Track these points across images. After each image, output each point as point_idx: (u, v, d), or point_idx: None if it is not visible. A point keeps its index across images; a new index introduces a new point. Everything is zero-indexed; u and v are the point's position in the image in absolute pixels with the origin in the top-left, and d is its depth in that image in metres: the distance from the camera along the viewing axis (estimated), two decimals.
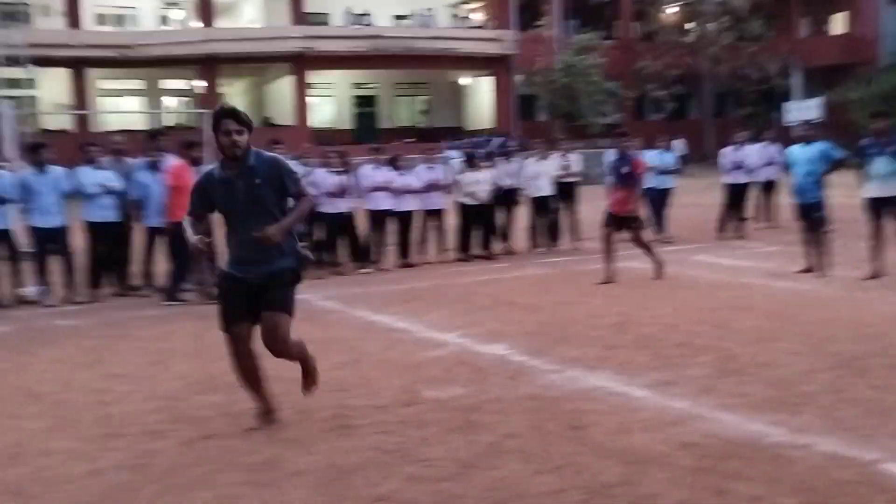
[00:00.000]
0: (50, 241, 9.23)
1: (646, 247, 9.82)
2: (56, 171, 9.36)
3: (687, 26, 39.25)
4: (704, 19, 37.38)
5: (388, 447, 4.42)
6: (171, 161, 9.40)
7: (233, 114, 4.54)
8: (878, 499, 3.55)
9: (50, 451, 4.55)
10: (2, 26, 30.44)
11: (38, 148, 9.56)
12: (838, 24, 41.15)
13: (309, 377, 5.04)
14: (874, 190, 8.96)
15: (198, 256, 5.32)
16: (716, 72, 37.17)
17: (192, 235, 4.65)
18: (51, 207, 9.22)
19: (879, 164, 8.86)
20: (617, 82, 35.26)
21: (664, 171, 13.10)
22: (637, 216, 9.74)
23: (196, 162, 9.39)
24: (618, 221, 9.56)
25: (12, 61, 28.88)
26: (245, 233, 4.53)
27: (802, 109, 31.57)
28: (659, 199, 13.12)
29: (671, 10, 39.49)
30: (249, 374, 4.75)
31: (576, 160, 13.19)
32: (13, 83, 31.87)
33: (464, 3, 39.53)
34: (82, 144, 9.89)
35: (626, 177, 9.50)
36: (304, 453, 4.37)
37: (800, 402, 4.89)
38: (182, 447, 4.55)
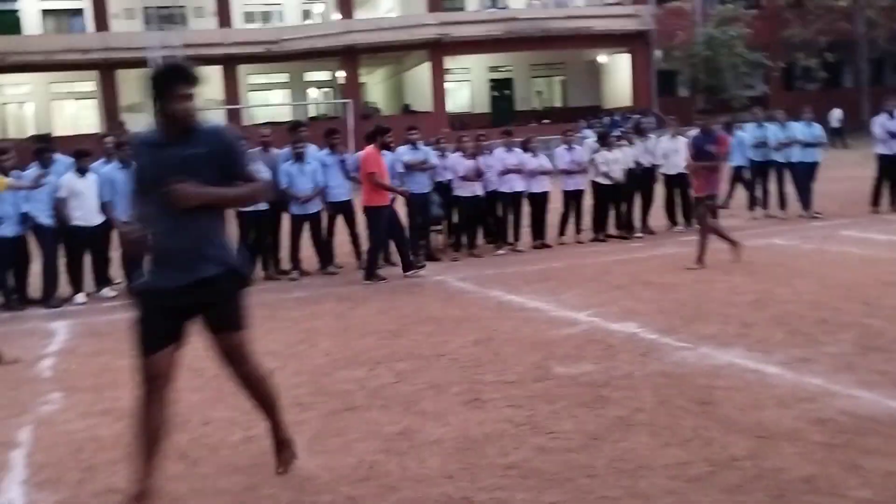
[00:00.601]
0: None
1: (713, 229, 9.27)
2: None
3: None
4: None
5: (519, 420, 4.58)
6: (365, 150, 9.92)
7: (184, 74, 3.54)
8: None
9: (210, 419, 4.99)
10: (160, 28, 32.53)
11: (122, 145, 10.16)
12: None
13: (283, 444, 4.06)
14: None
15: (127, 251, 4.24)
16: (872, 36, 34.93)
17: (124, 224, 3.79)
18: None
19: None
20: (762, 53, 33.73)
21: (810, 144, 12.55)
22: (712, 195, 9.29)
23: (386, 147, 10.09)
24: (706, 203, 9.25)
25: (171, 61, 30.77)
26: (171, 221, 3.52)
27: None
28: (805, 173, 12.61)
29: None
30: (151, 430, 3.68)
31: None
32: None
33: None
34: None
35: (711, 156, 9.13)
36: (438, 424, 4.60)
37: None
38: (326, 418, 4.88)
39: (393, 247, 10.37)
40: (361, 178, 9.76)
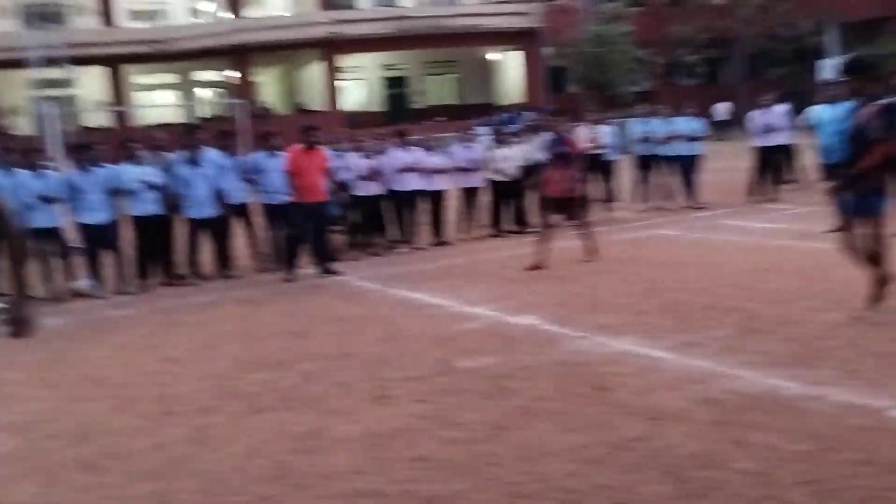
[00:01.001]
0: (98, 236, 9.66)
1: (587, 229, 9.46)
2: (100, 169, 9.77)
3: None
4: None
5: (425, 414, 4.71)
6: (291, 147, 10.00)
7: None
8: (886, 442, 3.75)
9: (114, 429, 4.92)
10: (39, 28, 31.20)
11: (83, 148, 9.97)
12: None
13: None
14: None
15: None
16: (748, 33, 36.67)
17: None
18: (97, 204, 9.62)
19: None
20: (647, 50, 34.96)
21: (692, 138, 13.16)
22: (579, 197, 9.41)
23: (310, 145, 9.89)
24: (557, 204, 9.32)
25: (51, 62, 29.60)
26: None
27: (838, 67, 31.17)
28: (688, 165, 13.21)
29: None
30: None
31: (604, 132, 13.31)
32: (53, 83, 32.67)
33: None
34: (122, 141, 10.28)
35: (563, 157, 9.27)
36: (346, 422, 4.68)
37: (819, 356, 5.08)
38: (234, 421, 4.89)
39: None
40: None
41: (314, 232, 9.86)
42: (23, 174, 9.57)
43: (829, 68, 30.83)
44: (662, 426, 4.19)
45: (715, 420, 4.21)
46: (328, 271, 9.80)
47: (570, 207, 9.40)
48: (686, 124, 13.30)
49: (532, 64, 36.50)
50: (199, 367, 6.20)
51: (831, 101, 9.50)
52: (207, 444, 4.55)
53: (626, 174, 13.90)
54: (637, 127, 13.58)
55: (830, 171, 9.62)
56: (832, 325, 5.75)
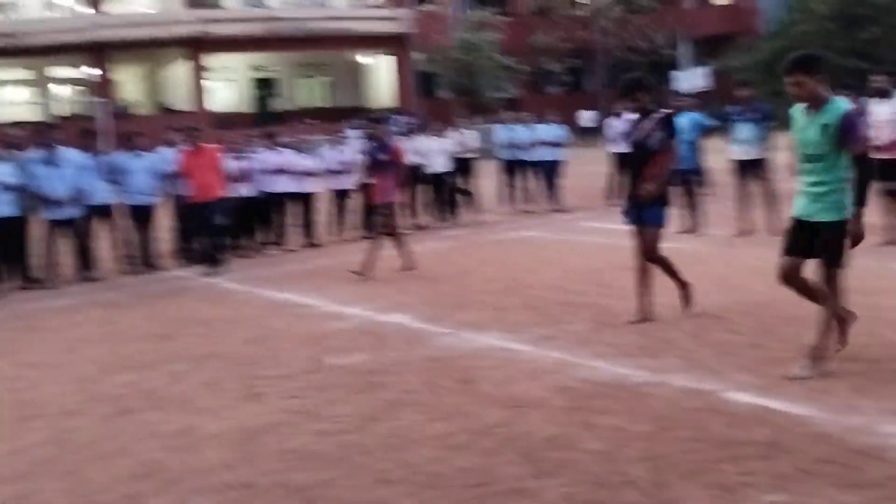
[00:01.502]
0: None
1: (397, 237, 9.30)
2: None
3: (580, 0, 40.28)
4: None
5: (296, 409, 4.81)
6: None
7: None
8: (717, 420, 4.14)
9: None
10: None
11: None
12: None
13: None
14: (739, 153, 9.76)
15: None
16: (607, 44, 38.29)
17: None
18: None
19: (743, 130, 9.66)
20: (514, 58, 35.92)
21: (555, 144, 13.72)
22: (387, 203, 9.19)
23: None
24: (385, 209, 9.21)
25: None
26: None
27: (691, 78, 33.03)
28: (551, 170, 13.76)
29: None
30: None
31: (472, 136, 13.70)
32: None
33: None
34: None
35: (384, 164, 9.20)
36: (215, 420, 4.72)
37: (664, 347, 5.50)
38: (100, 423, 4.84)
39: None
40: None
41: (208, 229, 10.01)
42: None
43: (681, 80, 32.65)
44: (521, 413, 4.46)
45: (568, 406, 4.52)
46: (217, 266, 9.94)
47: (380, 213, 9.21)
48: (549, 131, 13.86)
49: (402, 69, 36.80)
50: (61, 371, 6.06)
51: (679, 111, 10.14)
52: (71, 446, 4.49)
53: (492, 178, 14.34)
54: (502, 133, 14.03)
55: (681, 176, 10.29)
56: (677, 319, 6.21)
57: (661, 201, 6.11)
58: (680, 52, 39.45)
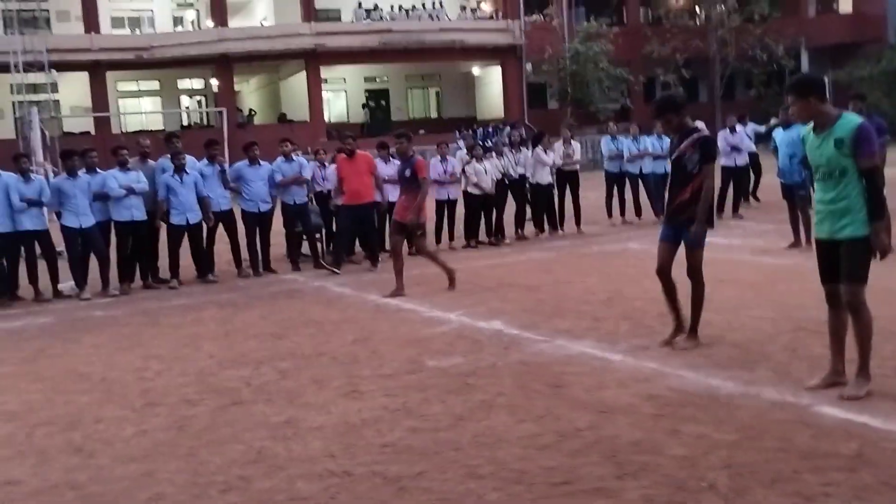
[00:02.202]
0: (83, 240, 9.96)
1: (431, 256, 9.29)
2: (87, 174, 10.09)
3: (695, 10, 39.55)
4: (711, 2, 37.66)
5: (393, 406, 5.09)
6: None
7: None
8: (804, 432, 4.17)
9: (102, 418, 5.25)
10: (22, 32, 31.35)
11: (71, 154, 10.29)
12: (845, 2, 41.26)
13: None
14: None
15: None
16: (724, 54, 37.47)
17: None
18: (83, 209, 9.93)
19: None
20: (625, 68, 35.62)
21: (661, 156, 13.65)
22: (420, 224, 9.01)
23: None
24: (404, 229, 9.03)
25: (34, 67, 29.79)
26: None
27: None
28: (656, 183, 13.69)
29: None
30: None
31: (578, 148, 13.78)
32: (35, 88, 32.82)
33: None
34: (113, 148, 10.59)
35: (410, 181, 8.97)
36: (320, 414, 5.05)
37: (758, 360, 5.51)
38: (214, 412, 5.24)
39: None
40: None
41: (361, 230, 10.89)
42: (9, 178, 9.87)
43: None
44: (609, 418, 4.59)
45: (656, 413, 4.62)
46: (373, 263, 10.90)
47: (413, 234, 9.10)
48: (657, 143, 13.80)
49: (512, 79, 37.05)
50: (182, 364, 6.54)
51: (785, 124, 10.00)
52: (189, 431, 4.90)
53: (597, 190, 14.37)
54: (609, 144, 14.05)
55: (787, 190, 10.12)
56: (772, 333, 6.18)
57: (702, 222, 5.96)
58: (801, 63, 38.22)
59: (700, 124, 6.67)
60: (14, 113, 33.19)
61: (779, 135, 10.13)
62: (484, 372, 5.72)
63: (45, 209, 10.33)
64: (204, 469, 4.27)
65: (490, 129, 32.50)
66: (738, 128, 14.24)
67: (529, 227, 13.21)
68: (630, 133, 14.08)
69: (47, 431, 5.04)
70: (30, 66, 29.82)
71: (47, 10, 35.20)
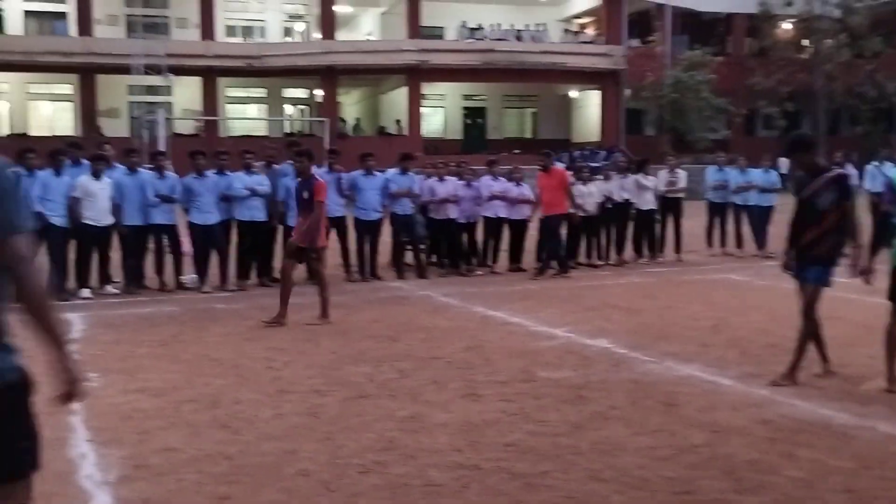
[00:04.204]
0: (206, 236, 10.57)
1: (321, 283, 8.64)
2: (214, 174, 10.72)
3: (802, 42, 38.86)
4: (821, 35, 36.96)
5: (511, 411, 5.36)
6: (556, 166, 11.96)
7: None
8: None
9: (240, 400, 5.68)
10: (143, 37, 33.03)
11: (198, 154, 10.95)
12: None
13: None
14: None
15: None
16: (831, 89, 36.68)
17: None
18: (208, 207, 10.56)
19: None
20: (727, 98, 35.25)
21: (766, 189, 13.59)
22: (316, 247, 8.50)
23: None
24: (298, 253, 8.57)
25: (153, 70, 31.35)
26: None
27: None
28: (760, 215, 13.64)
29: (786, 27, 39.14)
30: None
31: (683, 176, 13.83)
32: (152, 90, 34.50)
33: (575, 18, 40.26)
34: (243, 152, 11.19)
35: (309, 203, 8.47)
36: (442, 412, 5.36)
37: (872, 396, 5.59)
38: (343, 402, 5.61)
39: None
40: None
41: (554, 239, 11.52)
42: (146, 174, 10.58)
43: None
44: (723, 437, 4.77)
45: (770, 437, 4.77)
46: (564, 271, 11.55)
47: (308, 256, 8.63)
48: (762, 176, 13.76)
49: (610, 104, 37.08)
50: (305, 357, 6.96)
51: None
52: (323, 418, 5.27)
53: (698, 218, 14.39)
54: (714, 174, 14.06)
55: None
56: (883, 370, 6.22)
57: (828, 261, 6.02)
58: None
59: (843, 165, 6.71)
60: (130, 113, 35.01)
61: (890, 171, 10.04)
62: (595, 386, 5.95)
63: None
64: (341, 452, 4.62)
65: (587, 152, 32.60)
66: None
67: (630, 252, 13.32)
68: (737, 164, 14.05)
69: (193, 408, 5.49)
70: (149, 70, 31.39)
71: (168, 17, 36.95)
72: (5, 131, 33.76)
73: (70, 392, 2.51)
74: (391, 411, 5.39)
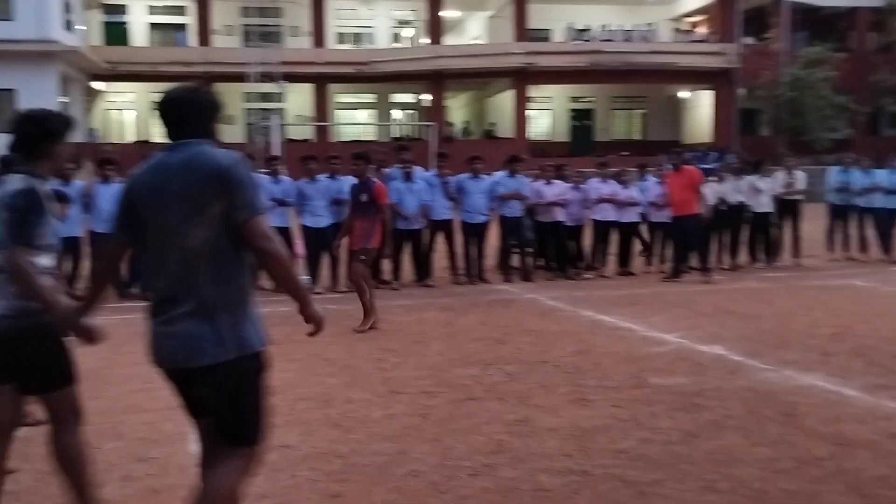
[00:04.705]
0: (318, 238, 10.82)
1: (359, 286, 8.34)
2: (325, 179, 10.96)
3: None
4: None
5: (622, 417, 5.26)
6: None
7: None
8: None
9: (351, 399, 5.78)
10: (258, 46, 34.12)
11: (310, 159, 11.21)
12: None
13: None
14: None
15: None
16: None
17: None
18: (320, 210, 10.81)
19: None
20: (848, 96, 33.68)
21: (893, 191, 12.92)
22: (368, 248, 8.30)
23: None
24: (355, 257, 8.39)
25: (267, 77, 32.35)
26: None
27: None
28: (886, 218, 12.97)
29: None
30: None
31: (800, 177, 13.30)
32: (266, 97, 35.60)
33: (686, 16, 39.30)
34: (355, 155, 11.36)
35: (366, 206, 8.33)
36: (551, 416, 5.31)
37: None
38: (452, 404, 5.62)
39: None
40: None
41: (689, 239, 11.34)
42: (261, 178, 10.90)
43: None
44: (848, 451, 4.54)
45: None
46: (706, 275, 11.32)
47: (355, 257, 8.44)
48: (887, 176, 13.09)
49: (723, 104, 36.01)
50: (414, 358, 7.03)
51: None
52: (431, 419, 5.30)
53: (817, 222, 13.81)
54: (837, 175, 13.46)
55: None
56: None
57: None
58: None
59: None
60: (246, 120, 36.23)
61: None
62: (710, 394, 5.77)
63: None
64: (451, 454, 4.63)
65: (697, 154, 31.74)
66: None
67: (745, 256, 12.89)
68: (861, 164, 13.41)
69: (307, 406, 5.62)
70: (263, 77, 32.41)
71: (282, 26, 38.07)
72: (132, 138, 35.48)
73: (317, 329, 3.21)
74: (500, 414, 5.38)
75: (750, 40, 36.58)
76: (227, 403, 2.99)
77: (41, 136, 3.47)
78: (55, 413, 3.57)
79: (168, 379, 3.08)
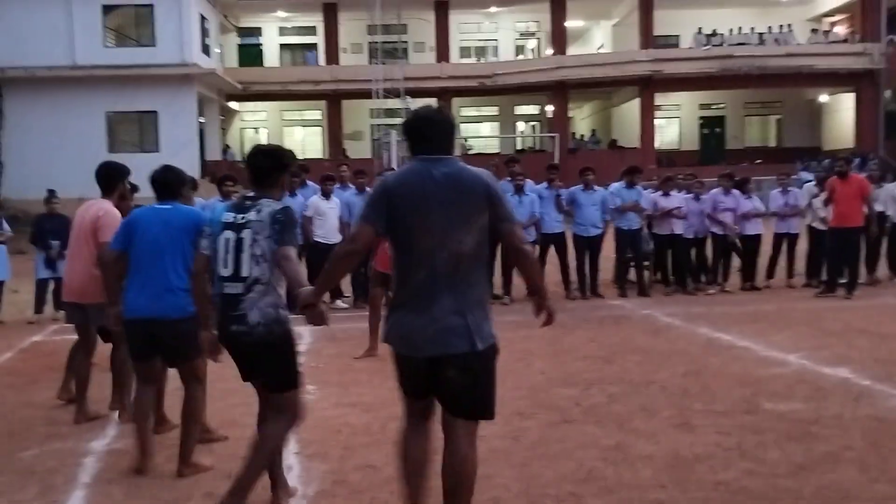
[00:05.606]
0: None
1: (376, 310, 7.79)
2: None
3: None
4: None
5: (727, 445, 4.91)
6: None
7: None
8: None
9: None
10: (383, 62, 34.78)
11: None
12: None
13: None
14: None
15: None
16: None
17: None
18: None
19: None
20: None
21: None
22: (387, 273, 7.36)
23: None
24: (385, 278, 7.43)
25: (391, 93, 32.89)
26: None
27: None
28: None
29: None
30: (414, 461, 3.99)
31: None
32: (390, 112, 36.22)
33: (825, 16, 37.35)
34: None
35: None
36: (649, 442, 5.02)
37: None
38: (546, 427, 5.42)
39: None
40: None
41: (850, 252, 10.65)
42: (350, 195, 10.92)
43: None
44: None
45: None
46: (849, 291, 10.61)
47: (381, 285, 7.78)
48: None
49: (867, 107, 33.92)
50: (515, 377, 6.83)
51: None
52: (522, 443, 5.12)
53: None
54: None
55: None
56: None
57: None
58: None
59: None
60: (372, 135, 36.99)
61: None
62: (828, 422, 5.32)
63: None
64: (536, 481, 4.44)
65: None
66: None
67: (886, 270, 12.01)
68: None
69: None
70: (387, 93, 32.99)
71: (406, 42, 38.68)
72: None
73: (549, 320, 3.71)
74: (595, 439, 5.13)
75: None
76: (472, 385, 3.48)
77: (275, 168, 4.08)
78: (279, 410, 4.03)
79: (404, 365, 3.59)
